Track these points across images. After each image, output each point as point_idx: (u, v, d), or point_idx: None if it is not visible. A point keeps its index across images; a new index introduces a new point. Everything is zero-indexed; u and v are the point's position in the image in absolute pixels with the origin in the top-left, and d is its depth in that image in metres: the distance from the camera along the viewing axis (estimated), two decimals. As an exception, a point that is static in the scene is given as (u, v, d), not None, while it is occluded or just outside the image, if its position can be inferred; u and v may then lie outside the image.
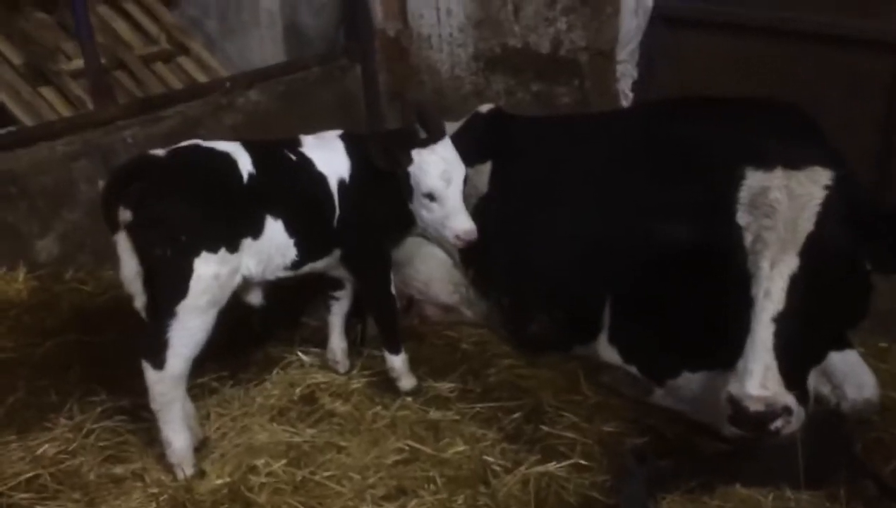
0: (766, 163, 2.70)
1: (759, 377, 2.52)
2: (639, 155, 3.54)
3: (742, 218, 2.70)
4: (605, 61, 4.68)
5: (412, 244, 3.84)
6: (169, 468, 3.05)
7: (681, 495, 2.65)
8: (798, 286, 2.59)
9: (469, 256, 3.89)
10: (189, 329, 2.90)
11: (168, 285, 2.88)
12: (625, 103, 4.77)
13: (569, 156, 3.80)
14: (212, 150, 3.05)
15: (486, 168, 3.98)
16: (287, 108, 5.25)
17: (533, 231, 3.74)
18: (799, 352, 2.65)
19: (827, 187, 2.64)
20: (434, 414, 3.43)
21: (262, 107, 5.14)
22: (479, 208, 3.89)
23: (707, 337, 3.17)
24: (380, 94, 5.72)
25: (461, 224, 3.25)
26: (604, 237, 3.50)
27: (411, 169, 3.24)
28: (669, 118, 3.60)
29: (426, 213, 3.30)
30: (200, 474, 3.03)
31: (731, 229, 2.71)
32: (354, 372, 3.72)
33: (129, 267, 2.92)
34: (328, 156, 3.35)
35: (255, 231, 3.05)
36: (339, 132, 3.48)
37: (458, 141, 4.09)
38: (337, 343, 3.68)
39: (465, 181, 3.37)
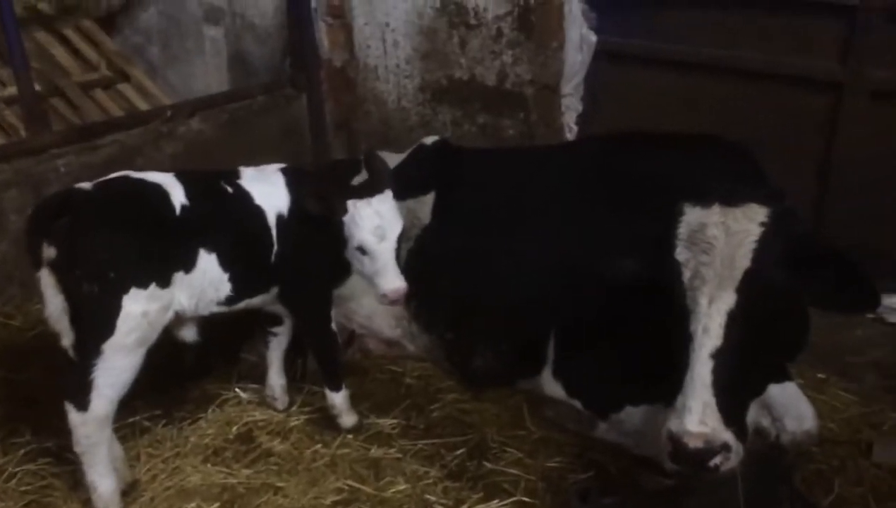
0: (704, 200, 2.71)
1: (697, 414, 2.51)
2: (583, 188, 3.55)
3: (681, 254, 2.70)
4: (550, 95, 4.70)
5: (354, 278, 3.77)
6: (95, 513, 2.91)
7: (623, 533, 2.62)
8: (736, 322, 2.59)
9: (411, 289, 3.84)
10: (115, 369, 2.79)
11: (94, 323, 2.77)
12: (570, 136, 4.79)
13: (513, 188, 3.79)
14: (142, 182, 2.95)
15: (429, 199, 3.94)
16: (230, 137, 5.15)
17: (476, 263, 3.70)
18: (737, 387, 2.64)
19: (763, 224, 2.65)
20: (376, 452, 3.36)
21: (205, 136, 5.04)
22: (420, 239, 3.86)
23: (650, 371, 3.15)
24: (326, 124, 5.66)
25: (389, 283, 3.17)
26: (547, 270, 3.48)
27: (345, 219, 3.15)
28: (613, 152, 3.62)
29: (357, 265, 3.24)
30: (128, 519, 2.90)
31: (671, 265, 2.71)
32: (294, 408, 3.62)
33: (54, 305, 2.80)
34: (267, 189, 3.28)
35: (188, 265, 2.95)
36: (280, 166, 3.41)
37: (402, 171, 4.11)
38: (275, 379, 3.58)
39: (400, 236, 3.28)
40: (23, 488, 3.07)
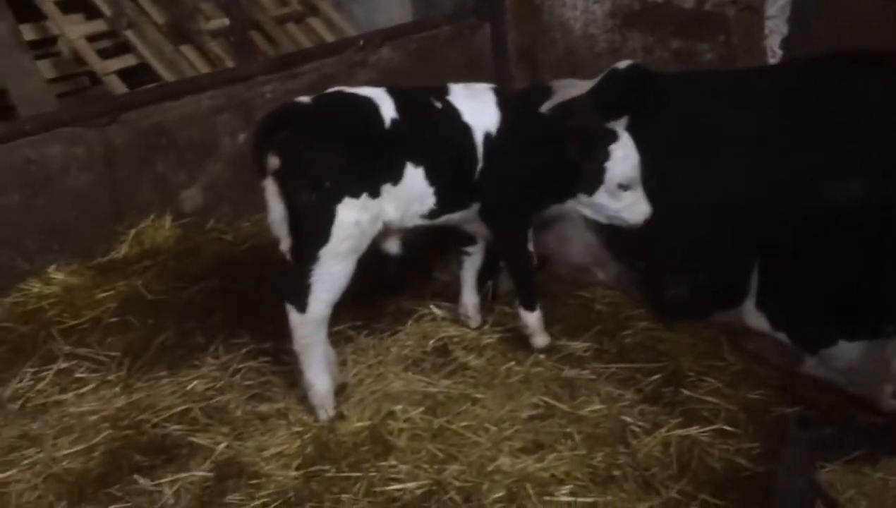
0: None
1: None
2: (795, 112, 3.33)
3: None
4: (753, 16, 4.43)
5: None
6: (311, 409, 3.13)
7: (842, 464, 2.51)
8: None
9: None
10: (331, 274, 2.95)
11: (311, 230, 2.93)
12: (773, 61, 4.51)
13: (714, 113, 3.61)
14: (355, 96, 3.06)
15: (621, 123, 3.84)
16: (417, 66, 5.24)
17: (672, 190, 3.57)
18: None
19: None
20: (569, 373, 3.38)
21: (394, 65, 5.16)
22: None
23: (868, 304, 2.98)
24: (509, 54, 5.63)
25: (646, 208, 3.36)
26: (754, 198, 3.32)
27: (607, 164, 3.28)
28: (827, 73, 3.37)
29: (613, 203, 3.35)
30: (341, 416, 3.09)
31: None
32: (486, 327, 3.70)
33: (276, 212, 2.99)
34: (476, 106, 3.31)
35: (396, 177, 3.05)
36: (491, 85, 3.43)
37: (593, 96, 4.02)
38: (469, 297, 3.67)
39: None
40: (247, 382, 3.34)
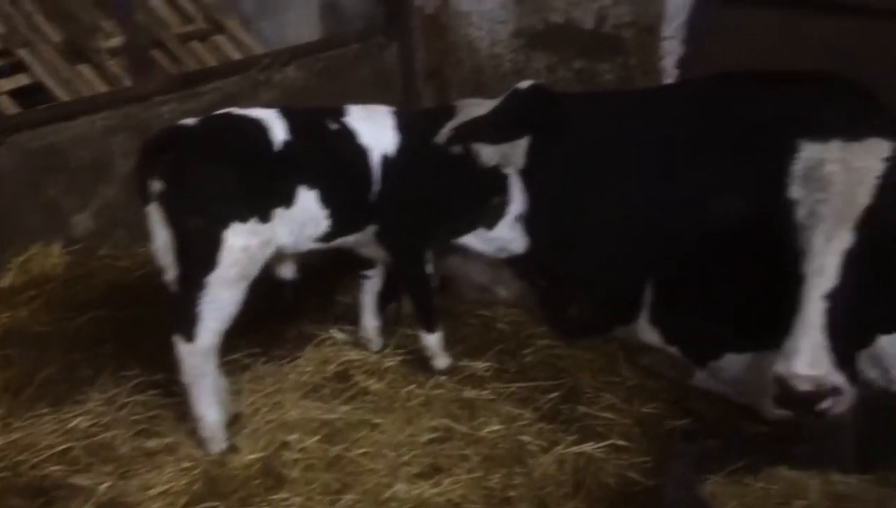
0: (821, 136, 2.58)
1: (807, 356, 2.42)
2: (687, 130, 3.41)
3: (795, 191, 2.59)
4: (650, 37, 4.53)
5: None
6: (201, 442, 3.04)
7: (725, 476, 2.56)
8: (853, 262, 2.48)
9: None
10: (219, 301, 2.87)
11: (198, 257, 2.86)
12: (669, 81, 4.61)
13: (612, 131, 3.67)
14: (244, 118, 3.00)
15: (523, 143, 3.88)
16: (324, 85, 5.19)
17: (572, 208, 3.63)
18: (851, 332, 2.53)
19: (887, 159, 2.51)
20: (469, 393, 3.38)
21: (300, 84, 5.09)
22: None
23: (753, 316, 3.06)
24: (416, 73, 5.63)
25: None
26: (648, 215, 3.39)
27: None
28: (720, 92, 3.46)
29: (508, 234, 3.51)
30: (233, 449, 3.01)
31: (784, 203, 2.59)
32: (388, 350, 3.67)
33: (161, 239, 2.90)
34: (374, 128, 3.30)
35: (288, 200, 3.00)
36: (390, 107, 3.45)
37: (495, 116, 4.05)
38: (369, 321, 3.63)
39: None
40: (133, 417, 3.22)
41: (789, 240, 2.58)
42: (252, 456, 2.97)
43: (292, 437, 3.06)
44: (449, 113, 4.29)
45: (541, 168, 3.81)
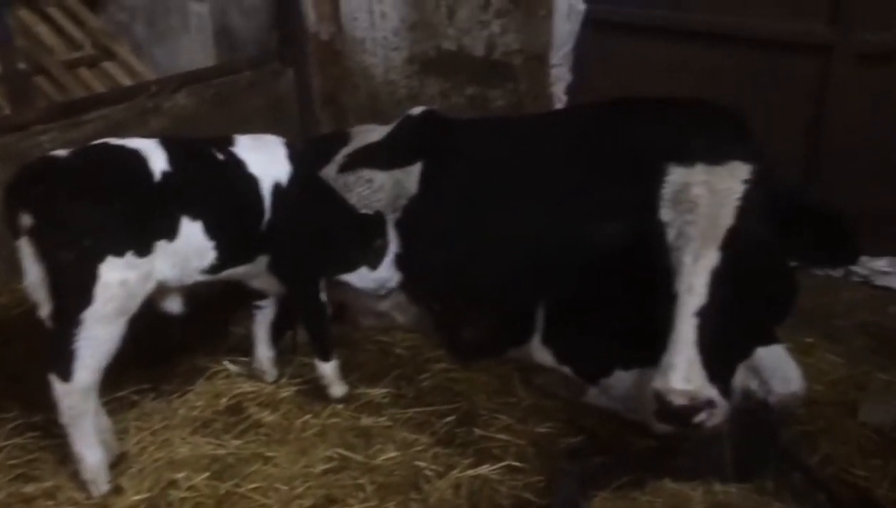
0: (687, 159, 2.70)
1: (682, 371, 2.51)
2: (570, 156, 3.52)
3: (665, 214, 2.70)
4: (538, 65, 4.66)
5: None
6: (83, 485, 2.91)
7: (612, 492, 2.62)
8: (720, 280, 2.59)
9: (399, 261, 3.83)
10: (96, 338, 2.77)
11: (72, 292, 2.75)
12: (559, 107, 4.75)
13: (500, 157, 3.76)
14: (120, 149, 2.92)
15: (416, 169, 3.92)
16: (217, 113, 5.11)
17: (463, 233, 3.68)
18: (722, 346, 2.63)
19: (746, 181, 2.65)
20: (365, 421, 3.36)
21: (190, 112, 5.00)
22: (407, 210, 3.84)
23: (637, 335, 3.15)
24: (313, 99, 5.62)
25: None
26: (535, 238, 3.46)
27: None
28: (602, 119, 3.59)
29: (388, 273, 3.67)
30: (117, 490, 2.89)
31: (655, 225, 2.70)
32: (283, 380, 3.62)
33: (33, 274, 2.78)
34: (265, 157, 3.27)
35: (170, 232, 2.92)
36: (280, 138, 3.41)
37: (388, 142, 4.08)
38: (263, 352, 3.57)
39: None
40: (11, 461, 3.06)
41: (662, 261, 2.67)
42: (137, 497, 2.87)
43: (180, 475, 2.97)
44: (343, 139, 4.32)
45: (433, 193, 3.86)
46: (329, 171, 4.09)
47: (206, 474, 2.99)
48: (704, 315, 2.55)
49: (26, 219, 2.71)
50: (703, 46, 4.39)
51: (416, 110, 4.19)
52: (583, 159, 3.42)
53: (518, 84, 4.67)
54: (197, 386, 3.51)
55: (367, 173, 3.98)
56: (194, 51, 6.32)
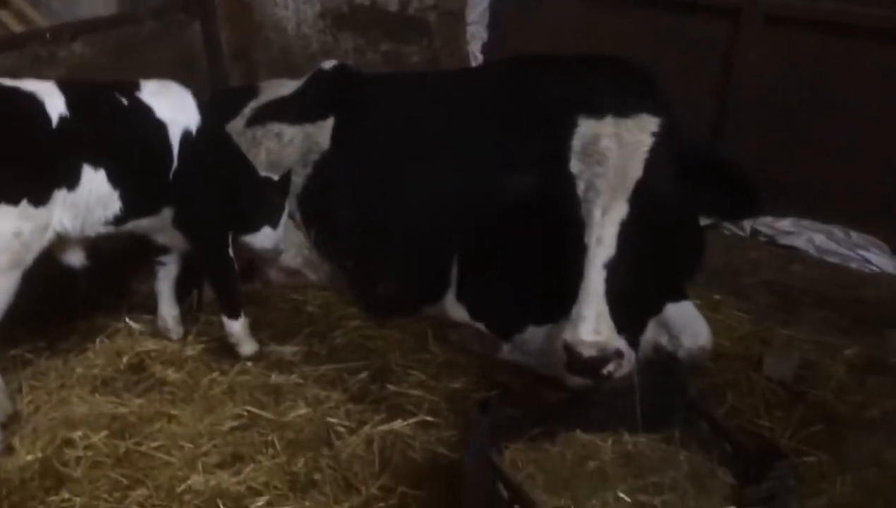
0: (597, 112, 2.69)
1: (591, 323, 2.52)
2: (483, 110, 3.48)
3: (575, 166, 2.69)
4: (454, 21, 4.60)
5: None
6: (-30, 446, 2.73)
7: (524, 443, 2.62)
8: (629, 232, 2.59)
9: (311, 217, 3.74)
10: None
11: None
12: (474, 64, 4.71)
13: (412, 112, 3.70)
14: (14, 91, 2.71)
15: (328, 124, 3.82)
16: (118, 64, 4.82)
17: (375, 189, 3.62)
18: (631, 298, 2.65)
19: (654, 134, 2.66)
20: (276, 378, 3.27)
21: (89, 62, 4.71)
22: (319, 166, 3.75)
23: (550, 289, 3.16)
24: (223, 53, 5.38)
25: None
26: (448, 193, 3.43)
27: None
28: (514, 74, 3.56)
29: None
30: (8, 451, 2.73)
31: (565, 178, 2.69)
32: (190, 338, 3.49)
33: None
34: (174, 104, 3.11)
35: (70, 181, 2.74)
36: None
37: (299, 97, 3.96)
38: (167, 310, 3.43)
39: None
40: None
41: (572, 214, 2.67)
42: (29, 457, 2.73)
43: (76, 434, 2.83)
44: (252, 93, 4.17)
45: (345, 148, 3.77)
46: (237, 125, 3.95)
47: (105, 432, 2.87)
48: (613, 267, 2.56)
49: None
50: (614, 9, 4.41)
51: (328, 64, 4.08)
52: (494, 114, 3.39)
53: (433, 40, 4.59)
54: (96, 344, 3.35)
55: (276, 127, 3.85)
56: (95, 2, 6.00)
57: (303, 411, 3.07)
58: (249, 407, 3.07)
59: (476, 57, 4.78)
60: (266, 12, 5.14)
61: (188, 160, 3.08)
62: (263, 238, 3.52)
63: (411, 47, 4.68)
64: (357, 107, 3.84)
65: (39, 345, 3.33)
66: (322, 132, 3.82)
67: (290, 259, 3.84)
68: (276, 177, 3.53)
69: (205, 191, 3.16)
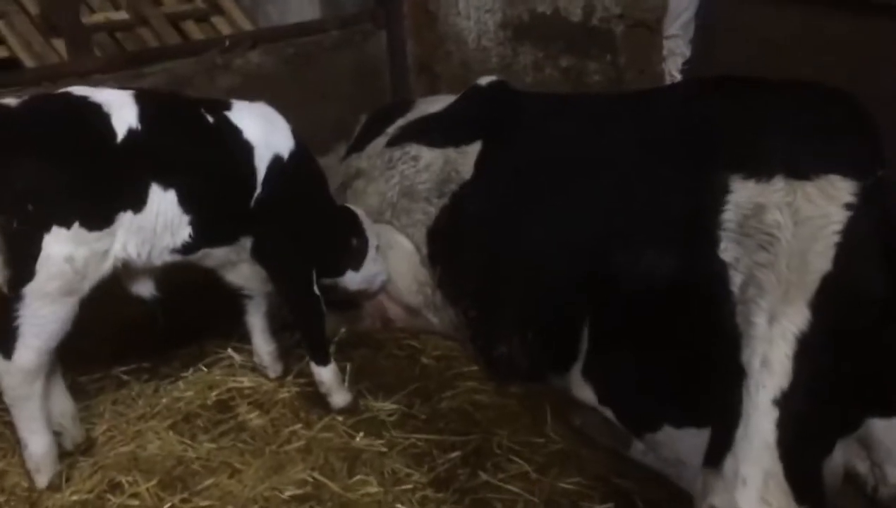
0: (761, 170, 1.92)
1: (756, 489, 1.80)
2: (634, 151, 2.79)
3: (727, 250, 1.95)
4: (647, 34, 3.89)
5: (375, 231, 3.27)
6: (29, 473, 2.61)
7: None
8: (810, 351, 1.82)
9: (438, 253, 3.28)
10: (39, 318, 2.42)
11: (16, 263, 2.41)
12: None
13: (561, 144, 3.09)
14: (80, 100, 2.52)
15: (473, 149, 3.33)
16: (294, 74, 4.72)
17: (509, 229, 3.06)
18: (814, 445, 1.88)
19: (849, 205, 1.84)
20: (360, 442, 2.87)
21: (265, 71, 4.63)
22: (456, 196, 3.27)
23: (696, 387, 2.44)
24: (408, 65, 5.10)
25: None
26: (583, 244, 2.79)
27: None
28: (691, 102, 2.82)
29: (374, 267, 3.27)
30: (52, 487, 2.57)
31: (713, 265, 1.95)
32: (289, 378, 3.18)
33: None
34: (266, 127, 2.84)
35: (136, 203, 2.52)
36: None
37: (446, 117, 3.53)
38: (261, 345, 3.16)
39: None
40: (-26, 435, 2.83)
41: (723, 318, 1.93)
42: (73, 497, 2.55)
43: (128, 478, 2.61)
44: (404, 109, 3.81)
45: (486, 179, 3.26)
46: (378, 144, 3.61)
47: (157, 480, 2.61)
48: (787, 403, 1.81)
49: (-29, 177, 2.40)
50: (855, 17, 3.47)
51: (485, 80, 3.59)
52: (649, 154, 2.69)
53: (617, 56, 3.92)
54: (189, 373, 3.15)
55: (414, 149, 3.44)
56: (302, 8, 6.04)
57: (373, 489, 2.63)
58: (318, 475, 2.69)
59: (673, 76, 4.05)
60: (449, 22, 4.76)
61: (275, 187, 2.77)
62: (349, 281, 3.15)
63: (593, 63, 4.05)
64: (507, 132, 3.31)
65: (143, 366, 3.21)
66: (465, 158, 3.34)
67: (412, 296, 3.41)
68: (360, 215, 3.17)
69: (289, 222, 2.82)
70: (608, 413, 2.75)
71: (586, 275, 2.78)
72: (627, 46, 3.91)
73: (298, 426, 2.93)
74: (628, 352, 2.65)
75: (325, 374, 2.97)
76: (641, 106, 3.00)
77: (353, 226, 3.16)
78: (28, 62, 5.07)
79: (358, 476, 2.68)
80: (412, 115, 3.69)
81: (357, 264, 3.16)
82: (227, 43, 4.54)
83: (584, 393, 2.82)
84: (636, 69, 3.97)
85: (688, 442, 2.52)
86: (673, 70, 4.02)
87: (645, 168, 2.68)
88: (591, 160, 2.96)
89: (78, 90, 2.59)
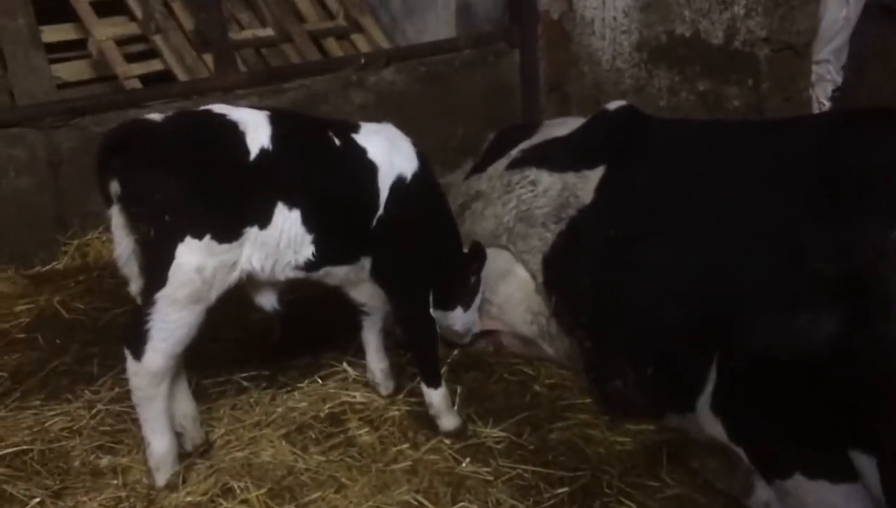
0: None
1: None
2: (776, 181, 2.63)
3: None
4: (794, 59, 3.68)
5: (490, 256, 3.23)
6: (150, 471, 2.74)
7: None
8: None
9: (553, 281, 3.20)
10: (168, 323, 2.53)
11: (150, 270, 2.54)
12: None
13: (693, 171, 2.96)
14: (218, 118, 2.62)
15: (595, 175, 3.25)
16: (427, 92, 4.80)
17: (630, 258, 2.95)
18: None
19: None
20: (465, 468, 2.82)
21: (397, 88, 4.74)
22: (574, 222, 3.19)
23: (840, 443, 2.27)
24: (539, 84, 5.08)
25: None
26: (718, 275, 2.65)
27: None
28: (827, 135, 2.64)
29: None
30: (170, 486, 2.67)
31: (886, 332, 1.79)
32: (401, 396, 3.19)
33: (123, 247, 2.61)
34: (388, 148, 2.87)
35: (262, 219, 2.60)
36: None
37: (572, 141, 3.47)
38: (375, 362, 3.17)
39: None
40: (102, 428, 3.00)
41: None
42: (188, 498, 2.63)
43: (240, 484, 2.68)
44: (528, 132, 3.77)
45: (607, 205, 3.17)
46: (499, 166, 3.58)
47: (267, 488, 2.67)
48: None
49: (115, 187, 2.55)
50: None
51: (614, 105, 3.50)
52: (784, 195, 2.53)
53: (760, 81, 3.72)
54: (305, 385, 3.22)
55: (532, 173, 3.40)
56: (440, 27, 6.12)
57: (475, 519, 2.57)
58: (422, 497, 2.65)
59: (822, 104, 3.78)
60: (583, 42, 4.70)
61: (396, 208, 2.78)
62: (454, 319, 3.15)
63: (733, 88, 3.86)
64: (633, 158, 3.21)
65: (263, 373, 3.30)
66: (586, 184, 3.26)
67: (525, 327, 3.35)
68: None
69: (407, 244, 2.83)
70: (740, 451, 2.59)
71: (716, 306, 2.64)
72: (772, 71, 3.70)
73: (405, 445, 2.92)
74: (767, 391, 2.48)
75: (436, 397, 2.96)
76: (781, 137, 2.82)
77: (476, 264, 3.12)
78: (180, 76, 5.39)
79: (461, 504, 2.63)
80: (536, 139, 3.64)
81: (467, 304, 3.13)
82: (363, 61, 4.66)
83: (713, 428, 2.67)
84: (781, 95, 3.76)
85: (816, 496, 2.35)
86: (822, 97, 3.76)
87: (780, 208, 2.52)
88: (722, 193, 2.82)
89: (218, 108, 2.70)
